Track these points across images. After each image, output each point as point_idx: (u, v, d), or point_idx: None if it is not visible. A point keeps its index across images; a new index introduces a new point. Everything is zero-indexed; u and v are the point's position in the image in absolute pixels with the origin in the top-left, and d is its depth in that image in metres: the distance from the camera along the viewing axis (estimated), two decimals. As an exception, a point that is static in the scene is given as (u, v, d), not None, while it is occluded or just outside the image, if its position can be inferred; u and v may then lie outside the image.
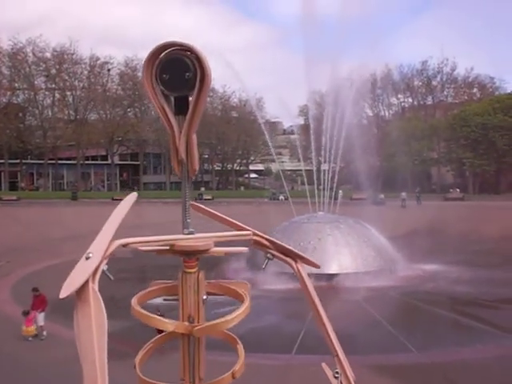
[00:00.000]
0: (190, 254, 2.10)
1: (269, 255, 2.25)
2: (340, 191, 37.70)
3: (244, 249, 2.27)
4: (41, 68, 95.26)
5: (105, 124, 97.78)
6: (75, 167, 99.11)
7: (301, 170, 47.20)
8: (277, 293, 27.05)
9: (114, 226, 2.01)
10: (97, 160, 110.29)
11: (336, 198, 36.58)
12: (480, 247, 36.04)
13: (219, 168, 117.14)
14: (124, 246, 1.96)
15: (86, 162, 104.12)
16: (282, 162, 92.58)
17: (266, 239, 2.23)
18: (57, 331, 18.52)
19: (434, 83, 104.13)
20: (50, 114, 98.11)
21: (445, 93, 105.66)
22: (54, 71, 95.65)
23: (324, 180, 36.33)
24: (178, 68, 1.93)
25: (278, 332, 20.93)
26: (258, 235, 2.23)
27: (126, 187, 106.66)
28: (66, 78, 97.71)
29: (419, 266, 31.56)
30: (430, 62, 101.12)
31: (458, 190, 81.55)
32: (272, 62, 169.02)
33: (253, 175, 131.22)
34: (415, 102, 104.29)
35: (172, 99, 2.02)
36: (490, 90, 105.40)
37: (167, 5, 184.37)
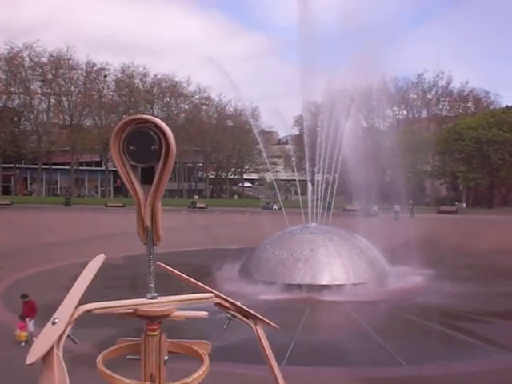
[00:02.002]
0: (153, 318, 2.17)
1: (229, 316, 2.36)
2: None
3: (204, 313, 2.39)
4: (37, 73, 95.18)
5: (100, 130, 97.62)
6: (69, 172, 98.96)
7: (294, 180, 47.25)
8: (267, 303, 27.02)
9: (80, 291, 2.10)
10: (91, 166, 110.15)
11: (329, 209, 36.60)
12: (472, 261, 36.12)
13: (213, 176, 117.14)
14: (89, 311, 2.05)
15: (80, 167, 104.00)
16: (276, 171, 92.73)
17: (228, 301, 2.34)
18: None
19: (429, 96, 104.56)
20: (45, 118, 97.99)
21: (440, 106, 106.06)
22: (50, 76, 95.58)
23: (317, 190, 36.37)
24: (144, 141, 2.04)
25: (269, 342, 20.87)
26: (219, 297, 2.33)
27: (120, 194, 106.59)
28: (62, 83, 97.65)
29: (411, 278, 31.60)
30: (426, 76, 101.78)
31: (464, 204, 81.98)
32: (268, 72, 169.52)
33: (247, 184, 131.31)
34: (410, 115, 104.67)
35: (139, 169, 2.11)
36: (485, 104, 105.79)
37: (165, 13, 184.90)
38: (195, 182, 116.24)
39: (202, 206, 76.60)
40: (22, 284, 29.85)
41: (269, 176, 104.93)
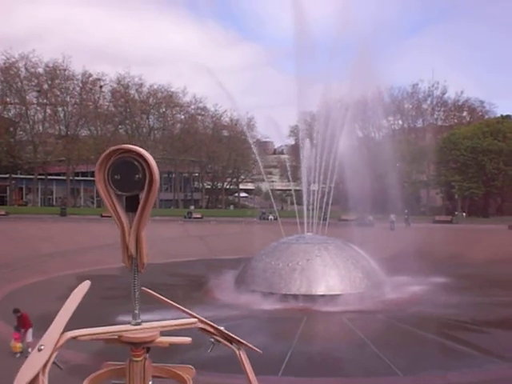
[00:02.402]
0: (137, 345, 2.21)
1: (213, 340, 2.41)
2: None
3: (187, 339, 2.43)
4: (33, 83, 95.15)
5: (96, 140, 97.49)
6: (65, 183, 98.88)
7: (290, 190, 47.30)
8: (264, 313, 27.03)
9: (66, 317, 2.15)
10: (87, 176, 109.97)
11: (325, 219, 36.63)
12: (467, 271, 36.17)
13: (209, 186, 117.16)
14: (74, 338, 2.09)
15: (76, 177, 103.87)
16: (272, 181, 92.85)
17: (212, 326, 2.39)
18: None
19: (425, 106, 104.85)
20: (41, 129, 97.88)
21: (435, 116, 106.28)
22: (45, 86, 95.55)
23: (313, 200, 36.40)
24: (128, 170, 2.13)
25: (265, 353, 20.71)
26: (203, 322, 2.38)
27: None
28: (58, 93, 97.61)
29: (407, 288, 31.61)
30: (421, 86, 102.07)
31: (463, 213, 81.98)
32: (264, 82, 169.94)
33: (243, 194, 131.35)
34: (405, 125, 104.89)
35: (123, 197, 2.18)
36: (480, 113, 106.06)
37: (161, 23, 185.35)
38: (191, 192, 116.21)
39: (198, 216, 76.50)
40: (17, 295, 29.79)
41: (264, 186, 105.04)
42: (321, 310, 27.24)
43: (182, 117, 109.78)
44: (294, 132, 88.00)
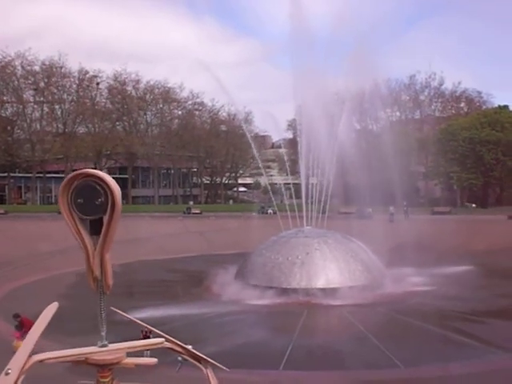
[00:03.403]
0: (103, 366, 2.26)
1: (181, 359, 2.44)
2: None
3: (153, 360, 2.44)
4: (29, 81, 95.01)
5: (93, 137, 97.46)
6: (63, 181, 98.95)
7: (289, 184, 47.22)
8: (264, 307, 27.06)
9: (33, 341, 2.18)
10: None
11: (324, 212, 36.60)
12: (467, 261, 36.13)
13: (208, 181, 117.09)
14: (41, 361, 2.12)
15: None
16: (271, 175, 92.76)
17: (179, 345, 2.41)
18: (42, 347, 18.42)
19: (422, 98, 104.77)
20: (38, 127, 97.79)
21: (432, 107, 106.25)
22: (42, 84, 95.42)
23: (312, 194, 36.37)
24: (90, 194, 2.18)
25: (266, 347, 20.90)
26: (170, 342, 2.40)
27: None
28: (55, 91, 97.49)
29: (407, 280, 31.64)
30: (418, 77, 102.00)
31: (473, 205, 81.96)
32: (261, 77, 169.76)
33: (242, 189, 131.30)
34: (403, 117, 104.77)
35: (87, 220, 2.22)
36: (478, 104, 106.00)
37: (157, 20, 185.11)
38: (190, 188, 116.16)
39: (197, 211, 76.51)
40: (18, 293, 29.82)
41: (263, 180, 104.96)
42: (321, 303, 27.26)
43: (180, 112, 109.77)
44: (292, 125, 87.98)
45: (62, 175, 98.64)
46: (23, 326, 19.57)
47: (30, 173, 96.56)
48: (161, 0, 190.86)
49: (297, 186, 41.92)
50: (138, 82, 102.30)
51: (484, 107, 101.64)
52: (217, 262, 37.42)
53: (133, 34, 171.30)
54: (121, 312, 2.75)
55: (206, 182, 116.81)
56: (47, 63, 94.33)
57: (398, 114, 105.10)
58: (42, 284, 31.95)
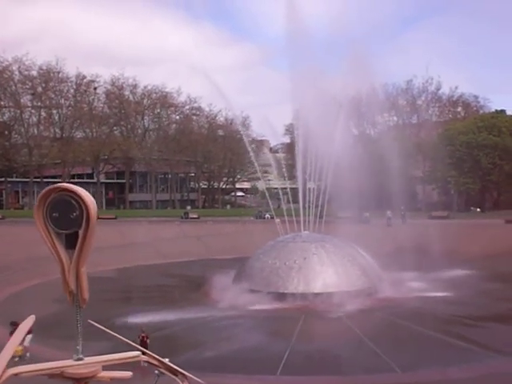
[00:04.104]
0: (79, 380, 2.27)
1: (158, 372, 2.44)
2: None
3: (128, 374, 2.44)
4: (27, 86, 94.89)
5: (91, 142, 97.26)
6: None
7: (286, 189, 47.22)
8: (261, 312, 27.04)
9: (9, 354, 2.17)
10: (83, 178, 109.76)
11: (321, 217, 36.59)
12: (465, 266, 36.13)
13: (205, 186, 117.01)
14: (16, 374, 2.12)
15: (72, 180, 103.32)
16: (268, 180, 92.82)
17: (156, 359, 2.41)
18: (39, 352, 18.44)
19: (419, 102, 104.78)
20: (35, 132, 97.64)
21: (429, 112, 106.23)
22: (40, 89, 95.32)
23: (310, 198, 36.36)
24: (65, 208, 2.21)
25: (264, 352, 20.88)
26: (147, 355, 2.40)
27: (112, 206, 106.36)
28: (52, 96, 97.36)
29: (404, 284, 31.65)
30: (415, 82, 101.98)
31: (478, 209, 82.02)
32: (259, 81, 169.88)
33: (239, 193, 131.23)
34: (400, 121, 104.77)
35: (63, 235, 2.23)
36: (475, 108, 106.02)
37: (155, 24, 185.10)
38: (187, 193, 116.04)
39: (195, 216, 76.44)
40: (17, 297, 29.83)
41: (261, 185, 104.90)
42: (318, 308, 27.25)
43: (177, 117, 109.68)
44: (290, 130, 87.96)
45: (60, 180, 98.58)
46: None
47: (28, 177, 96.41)
48: (158, 4, 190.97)
49: (294, 191, 41.91)
50: (135, 86, 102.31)
51: (481, 112, 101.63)
52: (214, 267, 37.42)
53: (130, 39, 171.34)
54: (98, 325, 2.76)
55: (203, 186, 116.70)
56: (44, 68, 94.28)
57: (395, 118, 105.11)
58: (40, 288, 31.92)
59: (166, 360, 2.42)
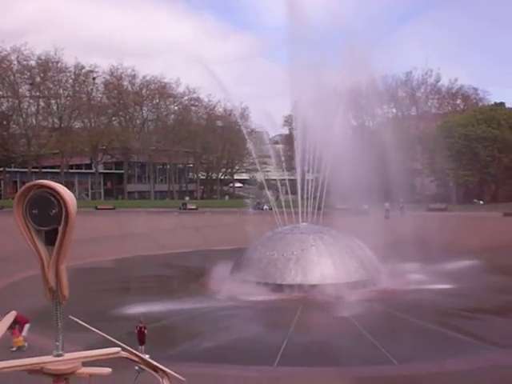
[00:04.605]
0: (58, 376, 2.27)
1: (138, 368, 2.44)
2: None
3: (107, 370, 2.44)
4: (25, 76, 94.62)
5: (89, 132, 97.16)
6: (59, 176, 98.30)
7: (285, 180, 47.19)
8: (260, 303, 27.07)
9: None
10: (81, 169, 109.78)
11: (320, 208, 36.57)
12: (463, 258, 36.14)
13: (204, 177, 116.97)
14: None
15: (70, 170, 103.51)
16: (267, 171, 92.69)
17: (135, 355, 2.41)
18: (36, 342, 18.49)
19: (418, 94, 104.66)
20: (34, 122, 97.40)
21: (429, 104, 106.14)
22: (38, 79, 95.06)
23: (308, 190, 36.34)
24: (45, 205, 2.21)
25: (261, 343, 20.91)
26: (127, 351, 2.40)
27: (111, 196, 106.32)
28: (51, 86, 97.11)
29: (402, 276, 31.67)
30: (415, 73, 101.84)
31: (481, 201, 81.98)
32: (258, 72, 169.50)
33: (238, 184, 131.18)
34: (399, 113, 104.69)
35: (43, 231, 2.23)
36: (474, 101, 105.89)
37: (155, 15, 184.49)
38: (186, 183, 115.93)
39: (193, 207, 76.37)
40: (14, 288, 29.82)
41: (259, 176, 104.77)
42: (316, 299, 27.29)
43: (176, 108, 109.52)
44: (288, 121, 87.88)
45: (58, 170, 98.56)
46: (16, 323, 19.63)
47: (26, 168, 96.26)
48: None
49: (293, 182, 41.89)
50: (134, 77, 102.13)
51: (480, 104, 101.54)
52: (212, 258, 37.41)
53: (130, 29, 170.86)
54: (78, 320, 2.76)
55: (201, 177, 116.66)
56: (43, 58, 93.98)
57: (394, 110, 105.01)
58: (37, 279, 31.74)
59: (147, 356, 2.43)
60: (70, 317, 2.58)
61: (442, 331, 22.05)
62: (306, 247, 30.52)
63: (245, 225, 38.74)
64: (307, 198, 36.11)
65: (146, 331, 19.08)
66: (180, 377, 2.48)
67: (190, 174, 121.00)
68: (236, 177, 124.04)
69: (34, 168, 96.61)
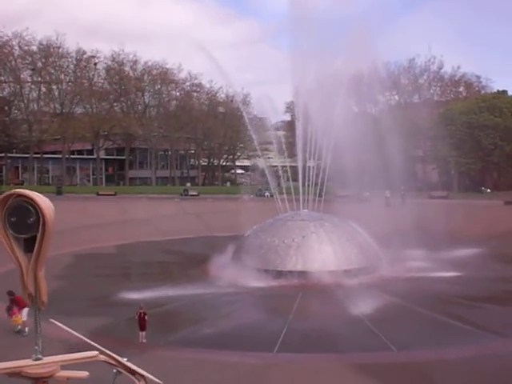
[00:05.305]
0: (37, 379, 2.32)
1: (116, 371, 2.47)
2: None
3: (85, 373, 2.48)
4: (27, 61, 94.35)
5: (91, 118, 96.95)
6: (61, 161, 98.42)
7: (286, 167, 47.16)
8: (260, 290, 27.15)
9: None
10: (82, 154, 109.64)
11: (321, 195, 36.59)
12: (464, 246, 36.16)
13: (205, 163, 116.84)
14: None
15: (72, 156, 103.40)
16: (269, 158, 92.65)
17: (114, 358, 2.45)
18: (31, 324, 18.56)
19: (421, 81, 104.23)
20: (35, 107, 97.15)
21: (431, 91, 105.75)
22: (40, 65, 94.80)
23: (309, 177, 36.33)
24: (23, 213, 2.27)
25: (261, 329, 20.99)
26: (105, 354, 2.44)
27: (112, 182, 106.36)
28: (52, 71, 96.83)
29: (403, 264, 31.69)
30: (417, 60, 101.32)
31: (488, 190, 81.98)
32: (260, 58, 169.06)
33: (239, 171, 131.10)
34: (402, 100, 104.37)
35: (22, 239, 2.28)
36: (476, 88, 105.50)
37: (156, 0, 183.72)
38: (187, 170, 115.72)
39: (194, 193, 76.53)
40: (14, 274, 29.85)
41: (261, 163, 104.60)
42: (316, 286, 27.36)
43: (178, 94, 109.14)
44: (290, 108, 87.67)
45: (60, 156, 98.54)
46: (17, 304, 19.76)
47: (28, 153, 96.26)
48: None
49: (294, 169, 41.87)
50: (135, 62, 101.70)
51: (483, 92, 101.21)
52: (213, 244, 37.48)
53: (131, 14, 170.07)
54: (59, 324, 2.80)
55: (203, 163, 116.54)
56: (45, 43, 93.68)
57: (396, 97, 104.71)
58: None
59: (124, 359, 2.47)
60: (51, 320, 2.64)
61: (442, 319, 22.10)
62: (307, 234, 30.55)
63: (246, 211, 38.80)
64: (308, 184, 36.10)
65: (146, 317, 19.18)
66: (157, 380, 2.52)
67: (192, 160, 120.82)
68: (238, 163, 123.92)
69: (35, 154, 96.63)
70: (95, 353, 2.42)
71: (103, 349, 2.48)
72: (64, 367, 2.42)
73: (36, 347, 2.42)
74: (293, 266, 29.03)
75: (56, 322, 2.75)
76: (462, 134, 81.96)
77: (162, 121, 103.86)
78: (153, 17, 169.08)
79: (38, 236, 2.24)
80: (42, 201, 2.21)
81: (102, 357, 2.44)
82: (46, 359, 2.36)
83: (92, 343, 2.56)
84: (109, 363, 2.48)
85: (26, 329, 19.22)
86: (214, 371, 16.04)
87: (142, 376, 2.49)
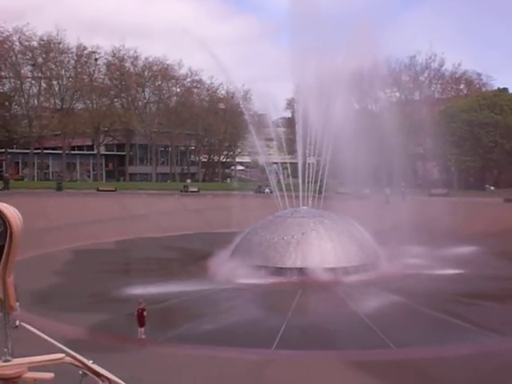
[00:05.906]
0: (6, 380, 2.43)
1: (82, 373, 2.56)
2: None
3: (50, 375, 2.57)
4: (27, 57, 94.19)
5: (91, 114, 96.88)
6: (61, 157, 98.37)
7: (286, 163, 47.17)
8: (259, 286, 27.19)
9: None
10: (83, 150, 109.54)
11: (320, 192, 36.60)
12: (463, 243, 36.19)
13: (206, 160, 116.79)
14: None
15: (72, 151, 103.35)
16: (269, 154, 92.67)
17: (79, 360, 2.54)
18: (30, 320, 18.55)
19: (422, 78, 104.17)
20: (36, 103, 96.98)
21: (432, 88, 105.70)
22: (40, 60, 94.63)
23: (309, 173, 36.33)
24: None
25: (260, 326, 21.02)
26: (71, 356, 2.54)
27: (112, 178, 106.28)
28: (53, 67, 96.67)
29: (402, 261, 31.72)
30: (418, 58, 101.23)
31: (492, 187, 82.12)
32: (261, 54, 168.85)
33: (239, 167, 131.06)
34: (402, 97, 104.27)
35: None
36: (477, 86, 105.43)
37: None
38: (187, 166, 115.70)
39: (195, 189, 76.44)
40: (14, 270, 29.90)
41: (261, 159, 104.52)
42: (315, 283, 27.39)
43: (178, 90, 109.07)
44: (291, 105, 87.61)
45: (60, 151, 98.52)
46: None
47: (28, 149, 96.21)
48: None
49: (294, 166, 41.89)
50: (136, 58, 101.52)
51: (483, 89, 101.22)
52: (213, 241, 37.53)
53: (132, 10, 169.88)
54: (30, 327, 2.90)
55: (203, 160, 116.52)
56: (45, 39, 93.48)
57: (397, 94, 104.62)
58: (38, 260, 31.99)
59: (90, 362, 2.56)
60: (22, 323, 2.77)
61: (440, 316, 22.13)
62: (307, 231, 30.59)
63: (246, 208, 38.86)
64: (308, 181, 36.11)
65: (145, 313, 19.20)
66: (123, 382, 2.60)
67: (192, 156, 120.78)
68: (238, 160, 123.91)
69: (35, 149, 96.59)
70: (62, 355, 2.54)
71: (70, 351, 2.58)
72: (32, 369, 2.53)
73: (5, 349, 2.54)
74: (292, 262, 29.07)
75: (27, 326, 2.87)
76: (463, 132, 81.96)
77: (163, 117, 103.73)
78: (153, 13, 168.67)
79: (6, 246, 2.34)
80: (10, 212, 2.32)
81: (68, 359, 2.54)
82: (15, 361, 2.51)
83: (59, 345, 2.66)
84: (75, 365, 2.58)
85: (17, 321, 19.22)
86: (213, 367, 16.09)
87: (107, 378, 2.58)
